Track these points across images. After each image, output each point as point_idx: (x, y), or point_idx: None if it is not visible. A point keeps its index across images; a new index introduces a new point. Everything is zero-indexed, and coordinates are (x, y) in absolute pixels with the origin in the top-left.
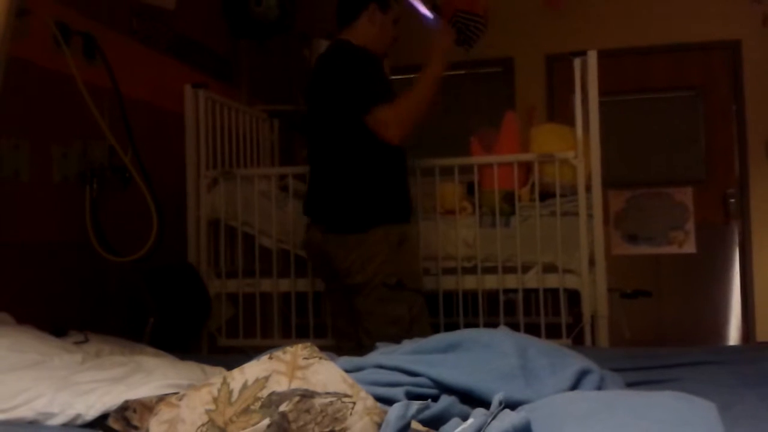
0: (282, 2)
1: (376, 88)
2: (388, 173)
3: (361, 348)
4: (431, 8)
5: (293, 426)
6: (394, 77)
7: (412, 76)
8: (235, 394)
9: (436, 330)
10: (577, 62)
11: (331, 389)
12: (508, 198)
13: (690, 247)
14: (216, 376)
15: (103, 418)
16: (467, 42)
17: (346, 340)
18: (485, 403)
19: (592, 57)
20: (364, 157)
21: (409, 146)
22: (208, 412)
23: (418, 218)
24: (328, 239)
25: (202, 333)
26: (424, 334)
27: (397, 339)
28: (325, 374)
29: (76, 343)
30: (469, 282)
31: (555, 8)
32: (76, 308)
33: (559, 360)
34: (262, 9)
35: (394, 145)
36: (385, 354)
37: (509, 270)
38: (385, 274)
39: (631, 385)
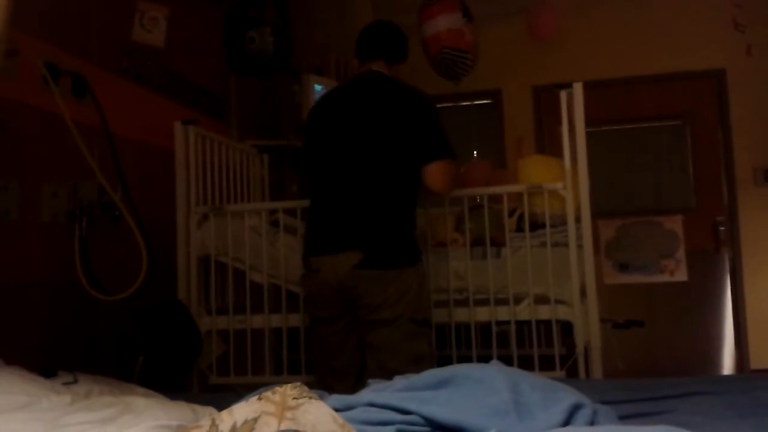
0: (277, 40)
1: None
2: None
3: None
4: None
5: None
6: None
7: None
8: None
9: None
10: (563, 95)
11: (321, 429)
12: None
13: (681, 276)
14: (205, 417)
15: None
16: (455, 77)
17: (344, 380)
18: None
19: (578, 89)
20: (412, 196)
21: None
22: None
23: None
24: (361, 275)
25: (193, 371)
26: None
27: None
28: (315, 414)
29: (65, 383)
30: (461, 314)
31: (540, 38)
32: (65, 348)
33: (552, 395)
34: (256, 47)
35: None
36: (376, 391)
37: (501, 302)
38: (414, 309)
39: (624, 418)
